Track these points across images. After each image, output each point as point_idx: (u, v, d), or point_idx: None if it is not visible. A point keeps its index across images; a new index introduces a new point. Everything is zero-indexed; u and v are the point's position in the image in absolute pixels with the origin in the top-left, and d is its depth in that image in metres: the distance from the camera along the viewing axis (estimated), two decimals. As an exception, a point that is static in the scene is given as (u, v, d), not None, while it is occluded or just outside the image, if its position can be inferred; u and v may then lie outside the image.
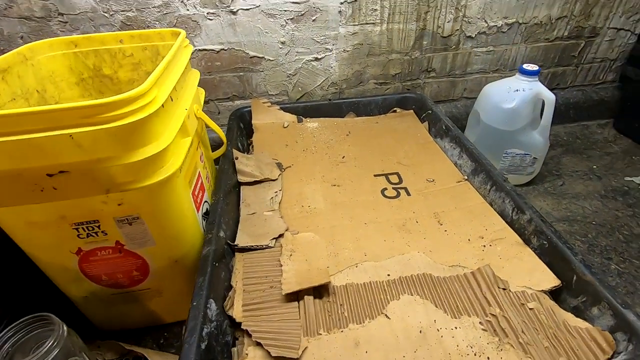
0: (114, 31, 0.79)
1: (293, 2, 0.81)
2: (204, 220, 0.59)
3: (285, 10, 0.82)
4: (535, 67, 0.77)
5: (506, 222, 0.59)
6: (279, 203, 0.67)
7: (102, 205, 0.43)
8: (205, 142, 0.68)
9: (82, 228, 0.45)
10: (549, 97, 0.76)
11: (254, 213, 0.64)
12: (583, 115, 1.08)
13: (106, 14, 0.77)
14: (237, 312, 0.48)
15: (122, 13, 0.77)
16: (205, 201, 0.61)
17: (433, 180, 0.71)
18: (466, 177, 0.70)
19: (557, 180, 0.88)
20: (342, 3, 0.83)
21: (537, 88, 0.77)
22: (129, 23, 0.78)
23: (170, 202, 0.47)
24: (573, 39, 0.99)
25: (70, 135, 0.36)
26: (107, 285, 0.53)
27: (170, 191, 0.46)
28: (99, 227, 0.45)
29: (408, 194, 0.68)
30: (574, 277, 0.46)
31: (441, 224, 0.61)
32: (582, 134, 1.05)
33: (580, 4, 0.92)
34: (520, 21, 0.93)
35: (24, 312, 0.44)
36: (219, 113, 0.94)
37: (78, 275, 0.51)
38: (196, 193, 0.56)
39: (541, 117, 0.79)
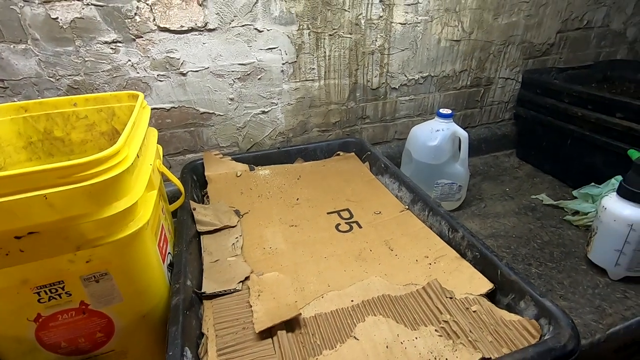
0: (60, 95, 0.79)
1: (239, 64, 0.90)
2: (169, 271, 0.59)
3: (232, 71, 0.90)
4: (449, 111, 0.92)
5: (445, 241, 0.68)
6: (241, 248, 0.70)
7: (69, 265, 0.43)
8: (164, 196, 0.69)
9: (45, 291, 0.44)
10: (463, 134, 0.92)
11: (217, 260, 0.66)
12: (492, 148, 1.29)
13: (52, 79, 0.77)
14: (211, 359, 0.49)
15: (70, 77, 0.78)
16: (169, 253, 0.61)
17: (380, 212, 0.79)
18: (407, 207, 0.80)
19: (480, 203, 1.03)
20: (283, 64, 0.94)
21: (453, 128, 0.92)
22: (76, 87, 0.80)
23: (140, 255, 0.48)
24: (474, 87, 1.20)
25: (45, 196, 0.37)
26: (65, 353, 0.50)
27: (140, 244, 0.48)
28: (62, 288, 0.45)
29: (360, 226, 0.76)
30: (503, 279, 0.55)
31: (392, 250, 0.68)
32: (493, 163, 1.25)
33: (475, 60, 1.15)
34: (433, 74, 1.11)
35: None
36: (170, 167, 0.96)
37: (33, 345, 0.47)
38: (161, 245, 0.57)
39: (460, 151, 0.94)
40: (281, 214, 0.80)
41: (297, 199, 0.85)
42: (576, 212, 0.95)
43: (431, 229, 0.72)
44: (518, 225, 0.94)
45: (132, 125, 0.48)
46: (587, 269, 0.78)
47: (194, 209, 0.75)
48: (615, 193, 0.73)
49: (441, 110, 0.92)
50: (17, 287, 0.42)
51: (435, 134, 0.93)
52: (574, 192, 1.00)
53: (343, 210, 0.81)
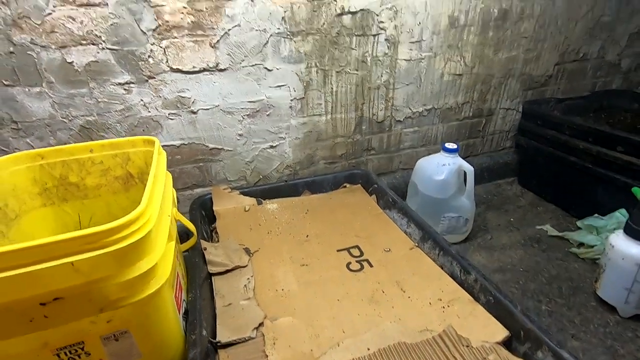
0: (72, 134, 0.80)
1: (249, 101, 0.91)
2: (184, 320, 0.59)
3: (242, 108, 0.91)
4: (454, 146, 0.94)
5: (457, 282, 0.68)
6: (253, 289, 0.69)
7: (91, 326, 0.43)
8: (177, 239, 0.69)
9: (65, 352, 0.43)
10: (469, 168, 0.93)
11: (229, 304, 0.66)
12: (494, 176, 1.30)
13: (65, 120, 0.78)
14: (230, 415, 0.48)
15: (82, 118, 0.79)
16: (183, 300, 0.61)
17: (389, 249, 0.80)
18: (417, 244, 0.80)
19: (486, 234, 1.04)
20: (291, 100, 0.95)
21: (459, 162, 0.94)
22: (88, 127, 0.81)
23: (159, 311, 0.48)
24: (476, 118, 1.23)
25: (72, 263, 0.37)
26: (81, 411, 0.49)
27: (160, 300, 0.48)
28: (82, 348, 0.44)
29: (370, 265, 0.76)
30: (519, 327, 0.55)
31: (404, 291, 0.69)
32: (496, 191, 1.26)
33: (477, 92, 1.17)
34: (436, 107, 1.14)
35: None
36: (178, 202, 0.96)
37: (49, 405, 0.47)
38: (177, 295, 0.57)
39: (465, 185, 0.96)
40: (291, 251, 0.80)
41: (307, 236, 0.85)
42: (581, 244, 0.96)
43: (442, 268, 0.73)
44: (524, 258, 0.94)
45: (153, 182, 0.49)
46: (597, 305, 0.79)
47: (205, 249, 0.75)
48: (622, 231, 0.74)
49: (447, 145, 0.94)
50: (37, 351, 0.42)
51: (441, 168, 0.94)
52: (578, 223, 1.02)
53: (353, 247, 0.81)
